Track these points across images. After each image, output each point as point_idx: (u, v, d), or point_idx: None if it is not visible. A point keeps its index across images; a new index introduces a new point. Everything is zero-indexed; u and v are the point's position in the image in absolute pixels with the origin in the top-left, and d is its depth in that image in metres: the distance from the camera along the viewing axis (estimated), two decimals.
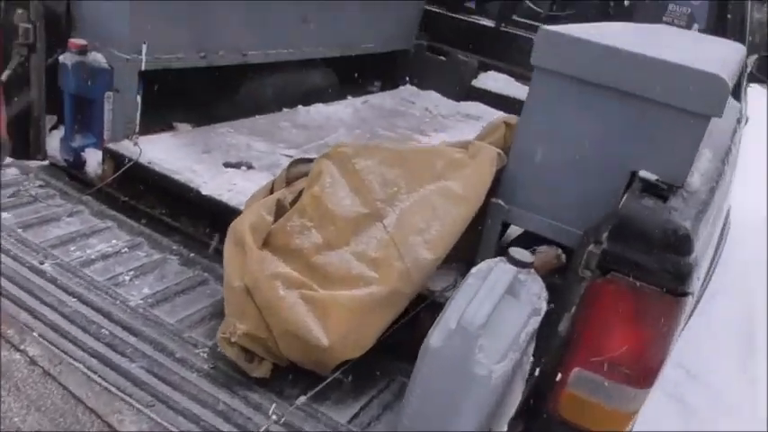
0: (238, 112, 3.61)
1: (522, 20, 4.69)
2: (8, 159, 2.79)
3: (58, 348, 1.80)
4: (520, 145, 2.05)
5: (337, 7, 3.96)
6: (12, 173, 2.69)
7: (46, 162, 2.87)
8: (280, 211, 2.13)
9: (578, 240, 1.84)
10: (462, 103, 4.57)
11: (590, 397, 1.78)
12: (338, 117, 3.84)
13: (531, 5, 4.61)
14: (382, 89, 5.03)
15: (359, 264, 1.93)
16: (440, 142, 2.44)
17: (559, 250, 1.94)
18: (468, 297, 1.58)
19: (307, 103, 3.92)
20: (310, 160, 2.46)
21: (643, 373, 1.69)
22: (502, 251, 2.13)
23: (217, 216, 2.55)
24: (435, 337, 1.58)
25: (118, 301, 2.08)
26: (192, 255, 2.42)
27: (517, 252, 1.65)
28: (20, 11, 2.69)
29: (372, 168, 2.12)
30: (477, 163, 2.10)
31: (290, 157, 3.09)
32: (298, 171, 2.40)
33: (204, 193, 2.53)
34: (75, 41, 2.71)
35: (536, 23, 4.65)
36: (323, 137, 3.47)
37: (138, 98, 2.91)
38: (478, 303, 1.54)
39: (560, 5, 4.63)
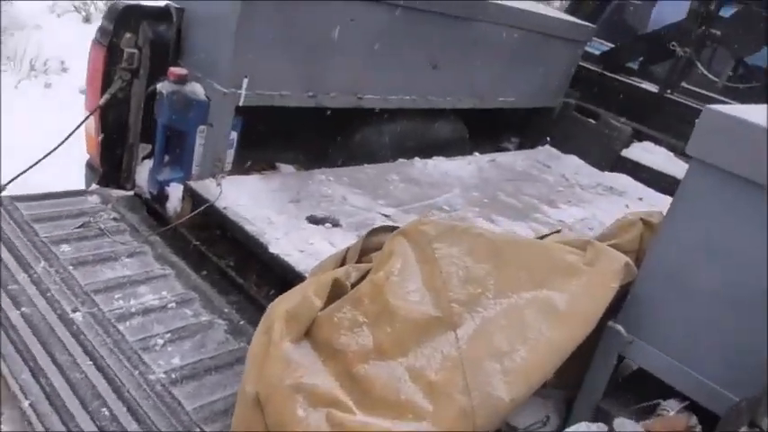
0: (351, 159, 3.32)
1: (693, 88, 4.02)
2: (93, 186, 2.67)
3: (42, 426, 1.51)
4: (658, 256, 1.51)
5: (474, 54, 3.57)
6: (92, 201, 2.55)
7: (131, 192, 2.72)
8: (338, 292, 1.74)
9: (726, 408, 1.28)
10: (607, 174, 3.96)
11: None
12: (457, 174, 3.42)
13: (706, 72, 3.92)
14: (520, 147, 4.55)
15: (413, 385, 1.48)
16: (551, 237, 1.90)
17: (694, 418, 1.36)
18: None
19: (428, 155, 3.55)
20: (394, 228, 2.07)
21: None
22: (615, 389, 1.59)
23: (281, 279, 2.22)
24: None
25: (137, 372, 1.79)
26: (242, 322, 2.09)
27: (625, 425, 1.12)
28: (128, 35, 2.57)
29: (456, 258, 1.67)
30: (596, 273, 1.58)
31: (388, 217, 2.73)
32: (379, 241, 2.01)
33: (272, 250, 2.21)
34: (175, 70, 2.54)
35: (709, 94, 3.97)
36: (433, 196, 3.06)
37: (234, 135, 2.70)
38: None
39: (744, 76, 3.90)
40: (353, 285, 1.77)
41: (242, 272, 2.35)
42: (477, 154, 3.84)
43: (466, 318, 1.58)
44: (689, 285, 1.42)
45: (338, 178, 2.97)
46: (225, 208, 2.41)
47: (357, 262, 1.96)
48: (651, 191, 3.79)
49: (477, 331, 1.54)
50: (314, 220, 2.50)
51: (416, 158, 3.46)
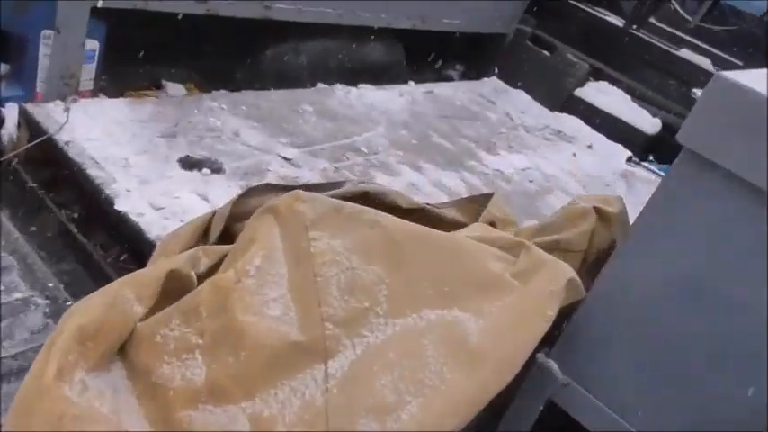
0: (260, 82, 2.76)
1: (662, 26, 3.54)
2: None
3: None
4: (615, 280, 1.08)
5: None
6: None
7: None
8: (178, 288, 1.25)
9: None
10: (557, 114, 3.52)
11: None
12: (385, 107, 2.91)
13: (679, 9, 3.44)
14: (464, 76, 4.04)
15: None
16: (469, 232, 1.39)
17: None
18: None
19: (354, 82, 3.00)
20: (285, 188, 1.59)
21: None
22: None
23: (132, 245, 1.72)
24: None
25: None
26: (68, 303, 1.59)
27: None
28: None
29: (338, 256, 1.20)
30: (528, 293, 1.13)
31: (288, 161, 2.22)
32: (257, 206, 1.52)
33: (119, 206, 1.69)
34: None
35: (679, 34, 3.51)
36: (351, 134, 2.56)
37: (94, 46, 2.09)
38: None
39: (720, 17, 3.44)
40: (204, 278, 1.29)
41: (87, 228, 1.82)
42: (412, 83, 3.32)
43: (344, 345, 1.13)
44: (654, 326, 1.01)
45: (234, 106, 2.41)
46: (68, 143, 1.85)
47: (221, 237, 1.48)
48: (602, 137, 3.38)
49: (357, 367, 1.10)
50: (188, 164, 1.97)
51: (339, 85, 2.92)
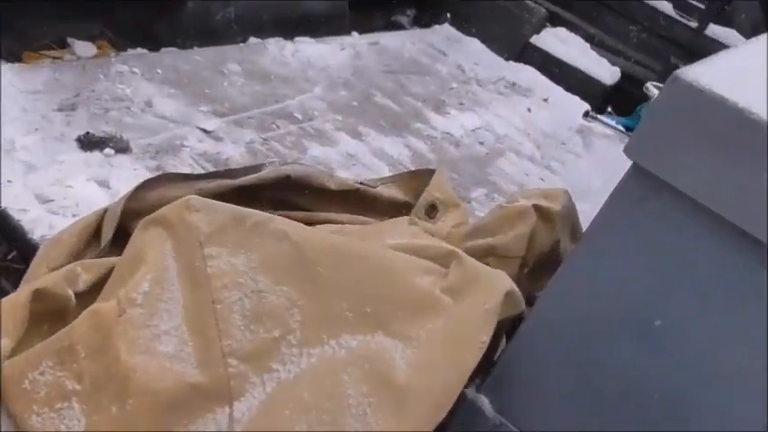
0: (181, 38, 2.47)
1: None
2: None
3: None
4: (558, 301, 0.91)
5: None
6: None
7: None
8: (53, 313, 1.06)
9: None
10: (512, 64, 3.31)
11: None
12: (324, 63, 2.66)
13: None
14: (415, 22, 3.78)
15: None
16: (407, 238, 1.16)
17: None
18: None
19: (290, 35, 2.73)
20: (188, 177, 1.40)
21: None
22: None
23: (15, 247, 1.50)
24: None
25: None
26: None
27: None
28: None
29: (241, 277, 1.01)
30: (461, 315, 0.96)
31: (208, 134, 1.99)
32: (161, 198, 1.32)
33: None
34: None
35: None
36: (283, 98, 2.32)
37: None
38: None
39: None
40: (87, 297, 1.10)
41: None
42: (356, 34, 3.06)
43: (252, 383, 0.96)
44: (597, 363, 0.85)
45: (148, 69, 2.14)
46: None
47: (117, 236, 1.27)
48: (559, 89, 3.20)
49: (267, 409, 0.93)
50: (87, 143, 1.72)
51: (272, 40, 2.65)
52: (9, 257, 1.55)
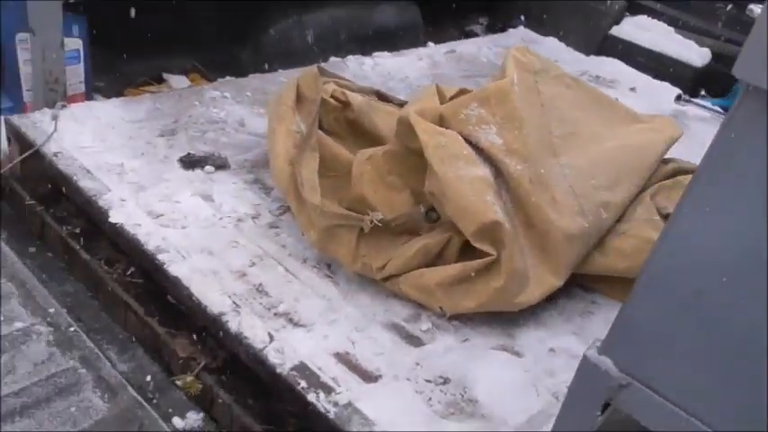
0: (266, 63, 2.58)
1: None
2: None
3: None
4: (673, 248, 0.86)
5: None
6: None
7: None
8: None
9: None
10: (593, 58, 3.23)
11: None
12: (404, 74, 2.69)
13: None
14: (488, 29, 3.77)
15: (541, 195, 1.49)
16: None
17: None
18: None
19: (368, 51, 2.79)
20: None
21: None
22: None
23: (133, 260, 1.58)
24: None
25: None
26: (72, 329, 1.47)
27: None
28: None
29: (550, 99, 1.68)
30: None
31: None
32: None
33: (113, 218, 1.55)
34: None
35: None
36: None
37: (77, 44, 1.95)
38: None
39: None
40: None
41: (89, 244, 1.69)
42: (431, 44, 3.08)
43: (566, 149, 1.62)
44: (723, 309, 0.79)
45: (238, 93, 2.24)
46: (57, 154, 1.72)
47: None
48: (646, 77, 3.09)
49: (578, 164, 1.60)
50: (189, 163, 1.81)
51: (351, 57, 2.71)
52: (128, 273, 1.64)
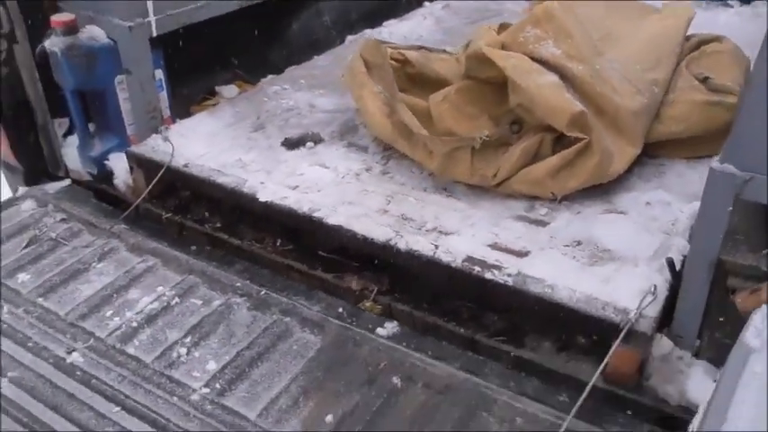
0: (296, 56, 2.84)
1: None
2: (20, 189, 2.20)
3: None
4: None
5: None
6: (27, 208, 2.09)
7: (67, 181, 2.26)
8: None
9: None
10: None
11: None
12: (417, 34, 2.98)
13: None
14: None
15: (602, 85, 1.82)
16: None
17: None
18: None
19: (378, 22, 3.07)
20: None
21: None
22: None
23: (284, 228, 1.87)
24: None
25: (175, 397, 1.47)
26: (262, 293, 1.76)
27: None
28: None
29: (583, 12, 2.03)
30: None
31: None
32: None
33: (263, 198, 1.83)
34: (59, 18, 2.01)
35: None
36: None
37: (160, 74, 2.21)
38: None
39: None
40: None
41: (235, 231, 1.98)
42: (427, 3, 3.37)
43: (608, 48, 1.98)
44: None
45: (294, 83, 2.53)
46: (186, 165, 1.99)
47: None
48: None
49: (621, 58, 1.95)
50: (291, 144, 2.10)
51: (367, 31, 2.99)
52: (278, 244, 1.93)
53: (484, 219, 1.75)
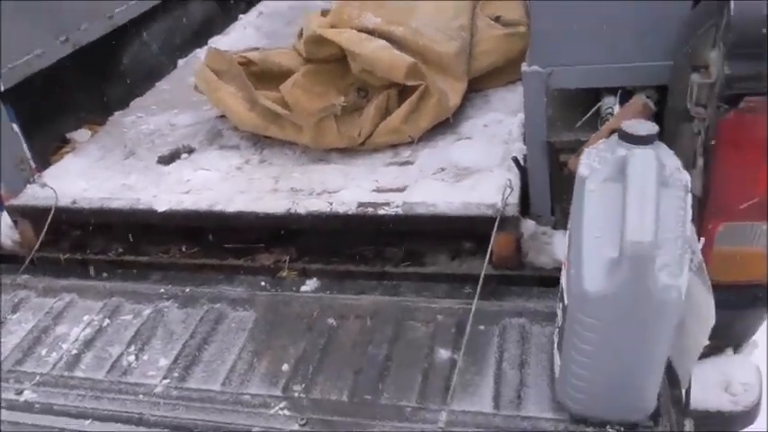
0: (135, 87, 2.92)
1: None
2: None
3: None
4: None
5: None
6: None
7: None
8: None
9: (665, 74, 1.45)
10: None
11: (744, 247, 1.47)
12: (245, 44, 3.13)
13: None
14: None
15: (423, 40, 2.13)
16: None
17: (643, 97, 1.51)
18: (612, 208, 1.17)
19: (200, 43, 3.22)
20: None
21: None
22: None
23: (189, 231, 2.02)
24: (592, 280, 1.18)
25: (140, 395, 1.59)
26: (187, 290, 1.90)
27: (634, 126, 1.22)
28: None
29: None
30: None
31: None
32: None
33: (161, 209, 1.96)
34: None
35: None
36: None
37: (16, 127, 2.23)
38: (636, 215, 1.13)
39: None
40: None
41: (139, 250, 2.08)
42: (241, 16, 3.56)
43: (412, 13, 2.26)
44: None
45: (146, 110, 2.64)
46: (74, 202, 2.06)
47: None
48: None
49: (425, 17, 2.25)
50: (167, 160, 2.23)
51: (197, 50, 3.12)
52: (183, 249, 2.06)
53: (362, 172, 2.02)
